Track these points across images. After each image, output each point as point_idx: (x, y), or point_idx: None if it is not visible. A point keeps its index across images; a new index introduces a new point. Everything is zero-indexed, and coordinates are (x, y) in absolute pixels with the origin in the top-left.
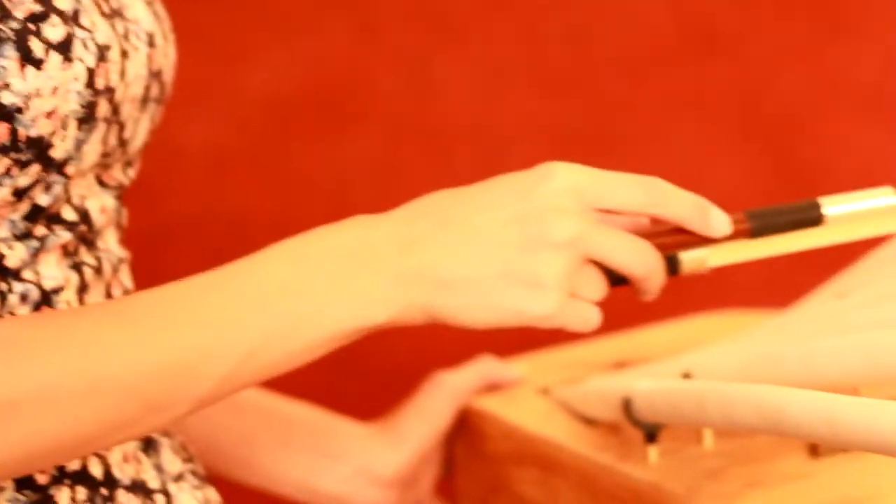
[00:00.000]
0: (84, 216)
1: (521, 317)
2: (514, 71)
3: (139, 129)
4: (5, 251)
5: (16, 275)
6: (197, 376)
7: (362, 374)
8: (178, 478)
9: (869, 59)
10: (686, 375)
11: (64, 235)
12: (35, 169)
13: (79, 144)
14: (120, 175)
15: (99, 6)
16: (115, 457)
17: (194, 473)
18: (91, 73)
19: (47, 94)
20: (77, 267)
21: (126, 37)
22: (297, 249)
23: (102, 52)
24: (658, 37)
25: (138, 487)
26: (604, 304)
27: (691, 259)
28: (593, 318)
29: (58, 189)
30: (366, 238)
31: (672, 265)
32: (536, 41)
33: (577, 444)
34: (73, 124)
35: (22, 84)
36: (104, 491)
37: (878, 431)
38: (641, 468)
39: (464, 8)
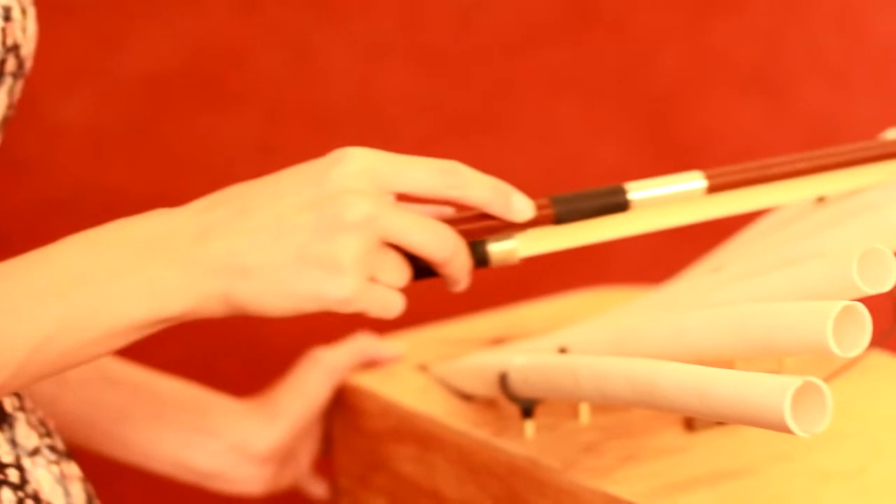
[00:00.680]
0: None
1: (320, 301)
2: (396, 48)
3: None
4: None
5: None
6: None
7: (241, 351)
8: (34, 452)
9: (748, 36)
10: (562, 350)
11: None
12: None
13: None
14: None
15: None
16: None
17: (52, 448)
18: None
19: None
20: None
21: None
22: (94, 239)
23: None
24: (539, 15)
25: None
26: (484, 281)
27: (500, 250)
28: (395, 303)
29: None
30: (163, 227)
31: (481, 257)
32: (418, 19)
33: (455, 420)
34: None
35: None
36: None
37: (746, 403)
38: (518, 443)
39: None
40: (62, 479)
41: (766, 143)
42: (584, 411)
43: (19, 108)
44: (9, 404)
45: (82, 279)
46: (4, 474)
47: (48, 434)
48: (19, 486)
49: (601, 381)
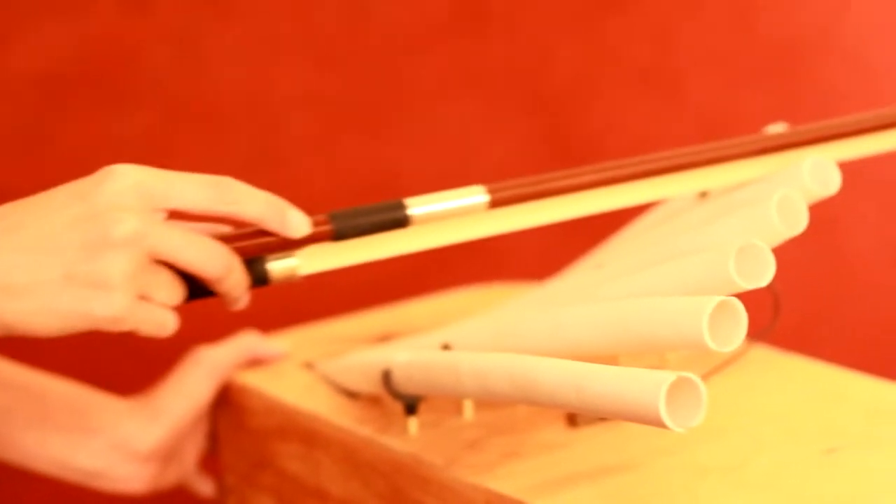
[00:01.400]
0: None
1: (88, 319)
2: (288, 44)
3: None
4: None
5: None
6: None
7: (126, 350)
8: None
9: (642, 34)
10: (446, 347)
11: None
12: None
13: None
14: None
15: None
16: None
17: None
18: None
19: None
20: None
21: None
22: None
23: None
24: (432, 13)
25: None
26: (370, 277)
27: (280, 268)
28: (168, 322)
29: None
30: None
31: (260, 275)
32: (310, 14)
33: (339, 418)
34: None
35: None
36: None
37: (623, 399)
38: (401, 440)
39: None
40: None
41: (659, 139)
42: (468, 408)
43: None
44: None
45: None
46: None
47: None
48: None
49: (482, 377)
